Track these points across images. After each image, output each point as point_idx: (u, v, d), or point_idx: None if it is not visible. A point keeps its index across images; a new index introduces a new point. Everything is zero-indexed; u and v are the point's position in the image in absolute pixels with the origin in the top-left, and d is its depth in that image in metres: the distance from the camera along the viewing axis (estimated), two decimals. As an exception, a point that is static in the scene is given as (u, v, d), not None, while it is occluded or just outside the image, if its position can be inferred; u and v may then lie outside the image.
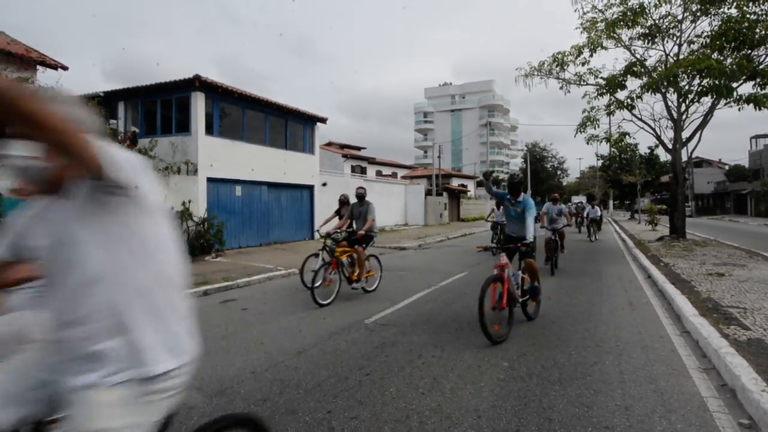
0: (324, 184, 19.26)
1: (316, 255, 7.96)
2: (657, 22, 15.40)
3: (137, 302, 1.31)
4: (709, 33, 14.48)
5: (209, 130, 12.91)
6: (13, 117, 1.02)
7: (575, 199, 47.41)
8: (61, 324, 1.29)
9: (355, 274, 6.98)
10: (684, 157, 16.73)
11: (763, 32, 13.24)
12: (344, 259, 6.98)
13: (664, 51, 16.01)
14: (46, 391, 1.40)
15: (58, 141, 1.09)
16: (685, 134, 15.93)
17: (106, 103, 12.11)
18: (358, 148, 38.61)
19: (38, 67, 11.73)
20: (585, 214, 20.43)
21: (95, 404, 1.23)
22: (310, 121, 17.30)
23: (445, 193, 35.45)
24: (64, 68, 12.18)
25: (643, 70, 15.94)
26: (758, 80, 13.86)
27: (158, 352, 1.32)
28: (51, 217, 1.33)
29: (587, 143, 17.90)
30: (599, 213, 19.43)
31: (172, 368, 1.34)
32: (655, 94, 15.33)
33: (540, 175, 68.68)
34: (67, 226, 1.28)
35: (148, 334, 1.31)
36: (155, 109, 13.19)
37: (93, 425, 1.21)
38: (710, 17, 14.57)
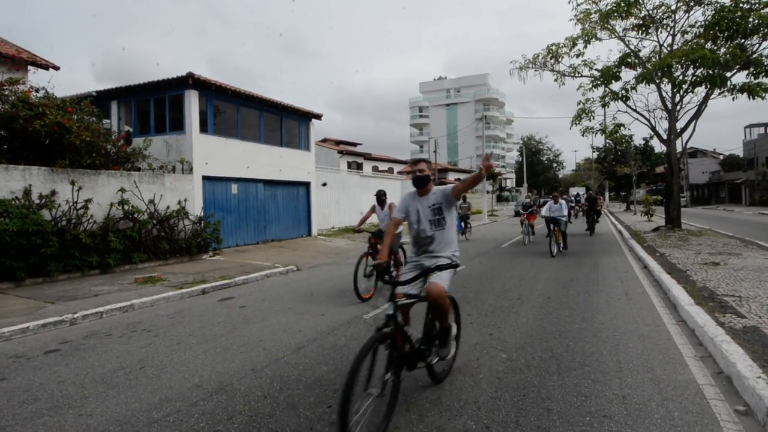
0: (324, 184, 19.21)
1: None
2: (651, 12, 15.41)
3: None
4: (703, 23, 14.50)
5: (203, 128, 12.84)
6: None
7: (573, 191, 47.40)
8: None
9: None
10: (678, 148, 16.79)
11: (756, 21, 13.26)
12: None
13: (658, 41, 16.04)
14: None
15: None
16: (679, 125, 16.00)
17: (98, 102, 12.01)
18: (354, 144, 38.53)
19: (29, 67, 11.62)
20: (544, 212, 11.99)
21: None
22: (305, 117, 17.23)
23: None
24: (56, 68, 12.06)
25: (637, 60, 15.95)
26: (752, 69, 13.90)
27: None
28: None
29: (582, 135, 17.95)
30: (565, 211, 11.70)
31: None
32: (649, 85, 15.37)
33: (536, 167, 68.93)
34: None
35: None
36: (148, 108, 13.10)
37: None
38: (703, 7, 14.59)
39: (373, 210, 7.85)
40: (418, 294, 3.27)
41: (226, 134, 13.84)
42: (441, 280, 3.19)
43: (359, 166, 32.89)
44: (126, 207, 9.87)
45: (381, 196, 7.70)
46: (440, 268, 3.08)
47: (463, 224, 16.14)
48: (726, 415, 2.90)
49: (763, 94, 13.44)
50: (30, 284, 8.01)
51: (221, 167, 13.08)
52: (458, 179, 44.85)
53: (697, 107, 15.47)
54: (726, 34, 13.69)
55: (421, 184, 3.44)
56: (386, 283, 3.10)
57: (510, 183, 72.72)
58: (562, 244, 11.73)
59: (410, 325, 3.32)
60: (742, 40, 13.93)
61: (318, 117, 17.69)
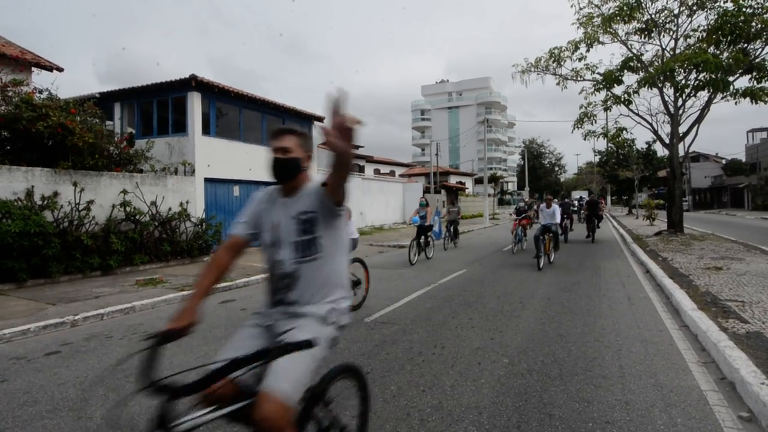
0: (324, 184, 19.21)
1: None
2: (653, 16, 15.42)
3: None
4: (706, 27, 14.51)
5: (206, 130, 12.86)
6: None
7: (575, 194, 47.27)
8: None
9: None
10: (681, 152, 16.76)
11: (759, 26, 13.25)
12: None
13: (661, 45, 16.04)
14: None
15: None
16: (681, 129, 15.97)
17: (101, 104, 12.04)
18: (356, 147, 38.54)
19: (33, 68, 11.68)
20: (540, 219, 11.08)
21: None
22: (308, 120, 17.25)
23: (443, 191, 35.48)
24: (59, 69, 12.12)
25: (639, 64, 15.95)
26: (755, 74, 13.88)
27: None
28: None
29: (584, 139, 17.90)
30: (557, 218, 10.71)
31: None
32: (651, 89, 15.37)
33: (538, 171, 68.91)
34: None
35: None
36: (151, 110, 13.14)
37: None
38: (706, 11, 14.60)
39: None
40: (251, 388, 1.69)
41: (228, 136, 13.87)
42: (285, 380, 1.63)
43: (361, 169, 32.94)
44: (128, 209, 9.88)
45: None
46: (286, 349, 1.52)
47: (452, 230, 14.64)
48: (730, 422, 2.88)
49: (766, 99, 13.41)
50: (31, 285, 8.01)
51: (223, 169, 13.10)
52: (460, 182, 44.73)
53: (699, 111, 15.45)
54: (729, 38, 13.68)
55: (285, 174, 1.92)
56: (149, 387, 1.45)
57: (512, 186, 72.68)
58: (552, 255, 10.52)
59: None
60: (745, 45, 13.91)
61: (320, 119, 17.72)
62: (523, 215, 13.61)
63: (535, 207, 14.73)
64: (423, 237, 11.60)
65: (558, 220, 10.76)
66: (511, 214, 19.96)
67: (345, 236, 1.99)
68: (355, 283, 6.35)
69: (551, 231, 10.46)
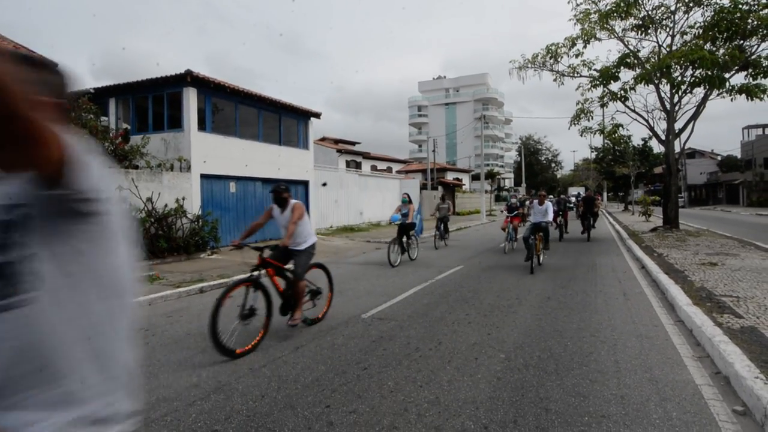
0: (324, 184, 19.18)
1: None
2: (650, 13, 15.43)
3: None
4: (702, 24, 14.54)
5: (202, 126, 12.80)
6: None
7: (572, 190, 47.36)
8: None
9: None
10: (677, 148, 16.81)
11: (755, 22, 13.30)
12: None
13: (657, 42, 16.06)
14: None
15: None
16: (678, 125, 16.02)
17: (96, 99, 11.96)
18: (353, 143, 38.49)
19: (27, 63, 11.57)
20: (531, 218, 10.23)
21: None
22: (304, 116, 17.20)
23: (440, 187, 35.51)
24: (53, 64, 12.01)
25: (636, 61, 15.97)
26: (750, 70, 13.94)
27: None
28: None
29: (581, 135, 17.97)
30: (550, 216, 9.85)
31: None
32: (648, 86, 15.39)
33: (534, 167, 69.08)
34: None
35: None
36: (147, 106, 13.05)
37: None
38: (703, 8, 14.62)
39: (269, 214, 5.27)
40: None
41: (224, 132, 13.81)
42: None
43: (358, 165, 32.88)
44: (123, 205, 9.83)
45: (280, 193, 5.06)
46: None
47: (442, 228, 13.78)
48: (724, 416, 2.90)
49: (762, 95, 13.48)
50: (27, 282, 7.96)
51: (219, 165, 13.05)
52: (457, 179, 44.69)
53: (695, 108, 15.50)
54: (725, 35, 13.73)
55: None
56: None
57: (508, 183, 72.78)
58: (542, 256, 9.72)
59: None
60: (741, 42, 13.96)
61: (317, 116, 17.67)
62: (515, 213, 12.78)
63: (527, 203, 14.11)
64: (405, 236, 10.52)
65: (550, 218, 9.93)
66: (502, 211, 19.55)
67: (115, 259, 0.95)
68: (315, 293, 5.33)
69: (542, 229, 9.64)
